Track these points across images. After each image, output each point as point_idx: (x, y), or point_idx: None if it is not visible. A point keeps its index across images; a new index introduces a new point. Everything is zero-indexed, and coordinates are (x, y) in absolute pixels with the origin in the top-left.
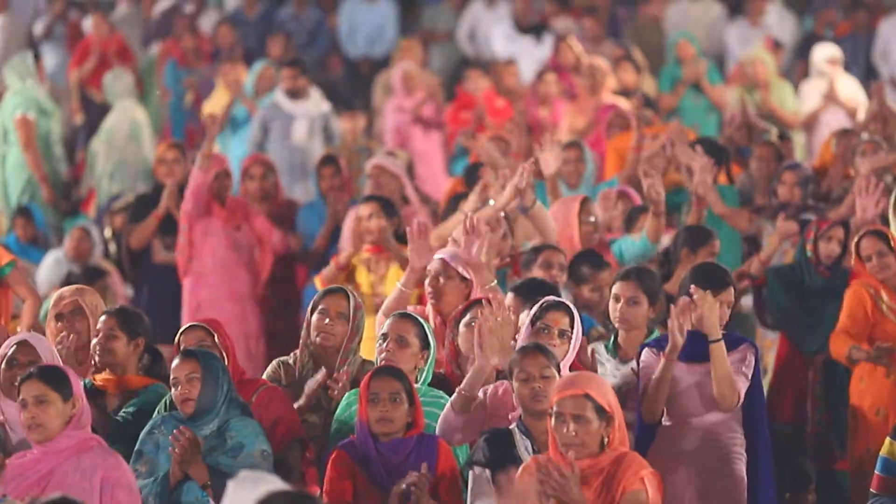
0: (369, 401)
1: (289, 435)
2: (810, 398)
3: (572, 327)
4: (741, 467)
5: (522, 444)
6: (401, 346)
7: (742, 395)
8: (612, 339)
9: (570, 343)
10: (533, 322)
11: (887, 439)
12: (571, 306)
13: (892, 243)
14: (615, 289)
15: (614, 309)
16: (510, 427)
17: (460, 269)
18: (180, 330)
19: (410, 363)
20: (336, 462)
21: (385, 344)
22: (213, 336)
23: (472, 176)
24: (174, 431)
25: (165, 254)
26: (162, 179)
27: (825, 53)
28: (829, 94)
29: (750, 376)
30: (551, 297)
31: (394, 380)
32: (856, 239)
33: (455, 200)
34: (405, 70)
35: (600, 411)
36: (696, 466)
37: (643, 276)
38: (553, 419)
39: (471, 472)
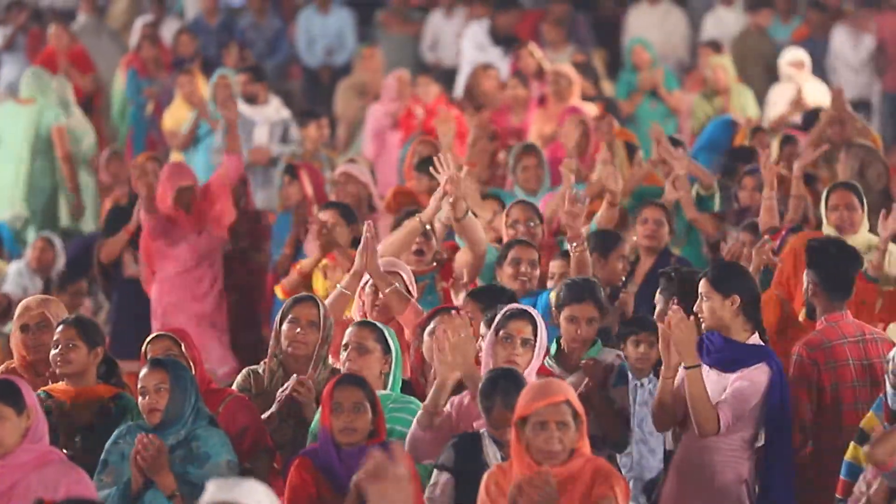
0: (332, 410)
1: (256, 445)
2: None
3: (536, 335)
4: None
5: (491, 451)
6: (361, 353)
7: (726, 423)
8: (556, 348)
9: (533, 351)
10: (496, 331)
11: (851, 444)
12: (534, 313)
13: None
14: (573, 310)
15: (570, 330)
16: (479, 432)
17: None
18: (147, 339)
19: (374, 369)
20: (299, 469)
21: (347, 353)
22: (180, 346)
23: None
24: (140, 438)
25: (136, 268)
26: (139, 191)
27: (789, 57)
28: (796, 98)
29: (753, 399)
30: (514, 306)
31: (356, 389)
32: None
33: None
34: (400, 76)
35: (576, 417)
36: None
37: (596, 292)
38: (530, 428)
39: (434, 473)
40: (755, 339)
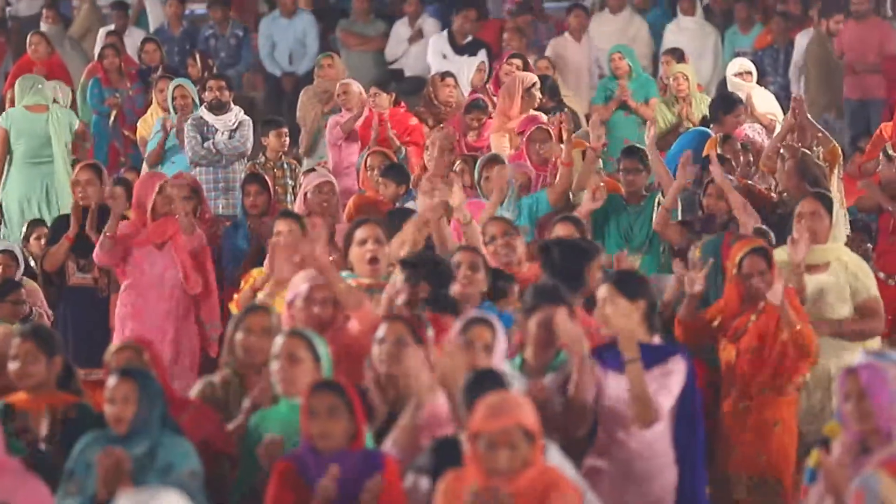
0: (309, 415)
1: (218, 454)
2: None
3: (495, 341)
4: (671, 479)
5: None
6: (292, 363)
7: (662, 413)
8: (520, 356)
9: (493, 356)
10: (457, 337)
11: (814, 450)
12: (493, 319)
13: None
14: (544, 314)
15: (538, 334)
16: (458, 436)
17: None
18: (111, 349)
19: (305, 379)
20: (280, 474)
21: (277, 363)
22: (144, 355)
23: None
24: (100, 452)
25: (80, 276)
26: (77, 201)
27: (736, 67)
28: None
29: (677, 391)
30: (474, 312)
31: (331, 394)
32: (738, 256)
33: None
34: (346, 86)
35: (528, 435)
36: (624, 478)
37: (565, 295)
38: (482, 445)
39: (410, 476)
40: (658, 340)
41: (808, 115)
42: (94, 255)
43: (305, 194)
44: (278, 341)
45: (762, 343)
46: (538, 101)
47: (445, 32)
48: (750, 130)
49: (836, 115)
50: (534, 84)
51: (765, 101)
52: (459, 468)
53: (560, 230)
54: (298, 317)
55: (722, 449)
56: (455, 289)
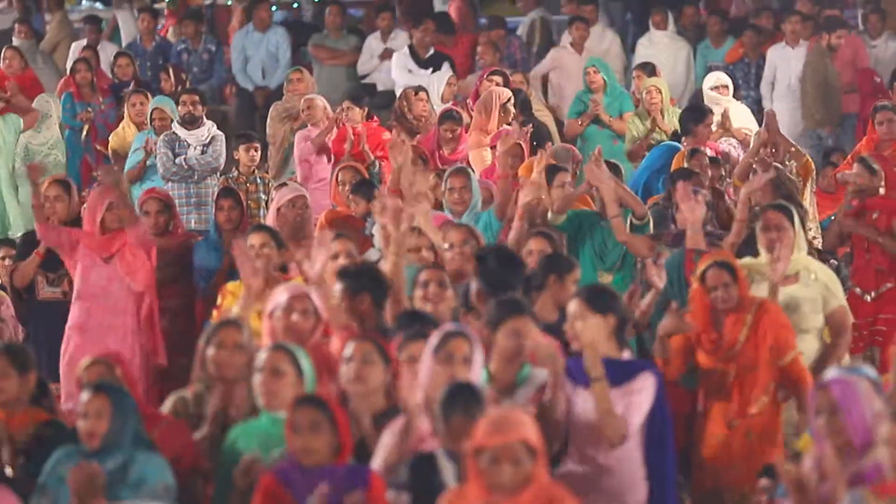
0: (292, 430)
1: (191, 469)
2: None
3: (473, 353)
4: (641, 495)
5: (446, 469)
6: (275, 376)
7: (631, 430)
8: (486, 370)
9: (471, 369)
10: (435, 351)
11: (788, 465)
12: (469, 331)
13: (737, 274)
14: (507, 324)
15: (503, 343)
16: (434, 452)
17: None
18: (82, 364)
19: (288, 392)
20: (265, 487)
21: (261, 376)
22: (116, 370)
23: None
24: (73, 467)
25: (49, 290)
26: (48, 215)
27: (712, 81)
28: (722, 122)
29: (647, 407)
30: (450, 325)
31: (313, 409)
32: (701, 268)
33: None
34: (311, 102)
35: (531, 451)
36: (594, 494)
37: (529, 308)
38: (484, 460)
39: (391, 494)
40: (628, 355)
41: (780, 130)
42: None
43: (279, 208)
44: (261, 355)
45: (756, 361)
46: (512, 115)
47: (407, 48)
48: (726, 144)
49: (830, 131)
50: (509, 99)
51: (740, 116)
52: (462, 484)
53: (533, 245)
54: (277, 326)
55: (711, 466)
56: (426, 307)
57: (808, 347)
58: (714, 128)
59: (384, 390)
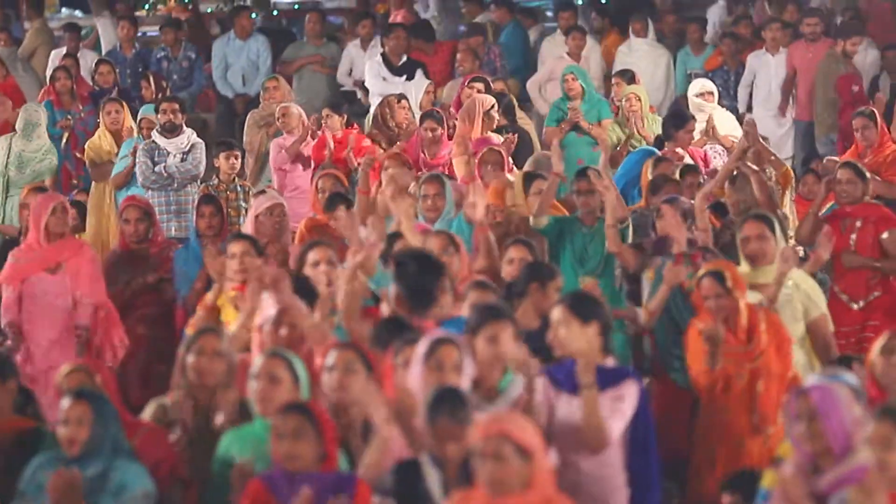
0: (277, 437)
1: (171, 476)
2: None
3: (462, 360)
4: (621, 501)
5: (431, 476)
6: (272, 383)
7: (614, 436)
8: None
9: (461, 376)
10: (425, 359)
11: (768, 471)
12: (458, 338)
13: (729, 282)
14: (487, 330)
15: (484, 349)
16: (419, 458)
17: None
18: (62, 371)
19: (284, 399)
20: (252, 493)
21: (257, 383)
22: (96, 378)
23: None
24: (53, 474)
25: None
26: (25, 224)
27: (697, 88)
28: (707, 129)
29: (630, 413)
30: (439, 333)
31: (297, 415)
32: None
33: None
34: (286, 109)
35: (520, 450)
36: (575, 499)
37: (511, 315)
38: (474, 461)
39: (374, 498)
40: (612, 362)
41: (761, 139)
42: None
43: (257, 216)
44: (258, 362)
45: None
46: (497, 122)
47: (380, 56)
48: (711, 151)
49: (840, 137)
50: (492, 106)
51: (726, 123)
52: (468, 488)
53: (514, 253)
54: (266, 340)
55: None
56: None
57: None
58: (698, 135)
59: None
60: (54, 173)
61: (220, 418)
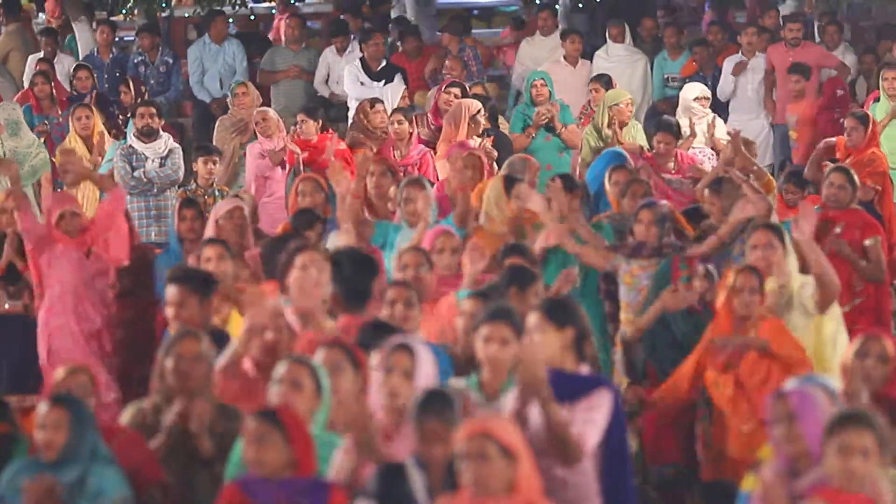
0: (246, 442)
1: (149, 480)
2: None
3: (415, 367)
4: None
5: (416, 479)
6: (294, 389)
7: (588, 447)
8: (476, 376)
9: (414, 382)
10: (381, 364)
11: (748, 474)
12: (414, 345)
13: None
14: (486, 330)
15: (482, 349)
16: (404, 461)
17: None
18: (59, 374)
19: (305, 406)
20: (228, 497)
21: (279, 388)
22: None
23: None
24: (29, 479)
25: (10, 303)
26: (2, 229)
27: (694, 91)
28: (692, 132)
29: (604, 423)
30: (398, 339)
31: (263, 422)
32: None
33: None
34: (263, 114)
35: (504, 451)
36: None
37: (512, 315)
38: (458, 463)
39: (357, 501)
40: (586, 370)
41: (744, 149)
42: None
43: (217, 221)
44: (281, 367)
45: (760, 367)
46: (482, 126)
47: (359, 60)
48: (700, 154)
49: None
50: (479, 111)
51: (720, 128)
52: (453, 492)
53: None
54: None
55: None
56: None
57: None
58: (702, 137)
59: (356, 397)
60: (49, 166)
61: (166, 420)
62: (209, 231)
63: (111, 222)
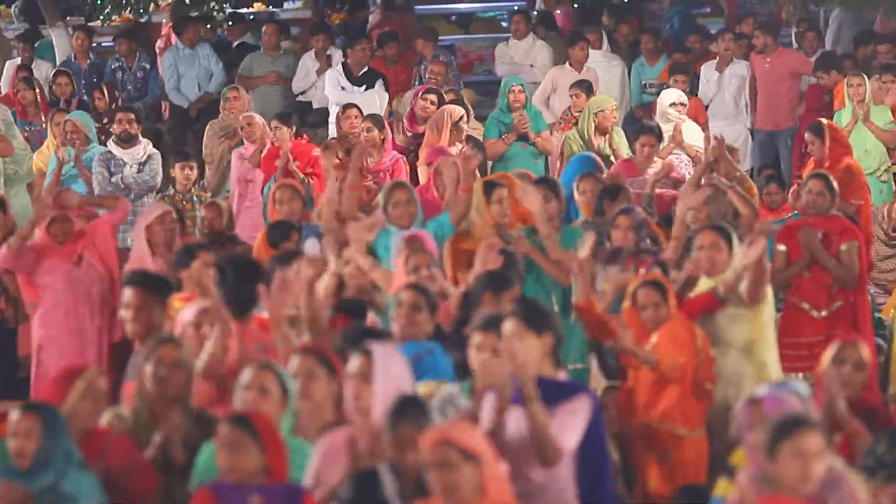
0: (218, 447)
1: (142, 484)
2: None
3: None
4: None
5: (389, 486)
6: (261, 395)
7: (565, 452)
8: (468, 381)
9: (372, 386)
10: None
11: (722, 480)
12: (375, 349)
13: (667, 292)
14: (478, 338)
15: (475, 357)
16: (377, 467)
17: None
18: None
19: (272, 412)
20: (199, 502)
21: (245, 394)
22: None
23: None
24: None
25: None
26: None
27: (671, 97)
28: (673, 138)
29: (581, 428)
30: (366, 343)
31: (235, 428)
32: (632, 288)
33: None
34: (248, 119)
35: (465, 455)
36: None
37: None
38: (424, 469)
39: None
40: (564, 376)
41: (727, 155)
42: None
43: (148, 226)
44: (247, 373)
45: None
46: (465, 133)
47: (341, 65)
48: (676, 160)
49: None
50: (461, 117)
51: (692, 133)
52: (425, 499)
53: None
54: (194, 343)
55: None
56: (395, 329)
57: (728, 363)
58: (670, 141)
59: (332, 402)
60: (34, 174)
61: (157, 437)
62: (139, 235)
63: (113, 234)
